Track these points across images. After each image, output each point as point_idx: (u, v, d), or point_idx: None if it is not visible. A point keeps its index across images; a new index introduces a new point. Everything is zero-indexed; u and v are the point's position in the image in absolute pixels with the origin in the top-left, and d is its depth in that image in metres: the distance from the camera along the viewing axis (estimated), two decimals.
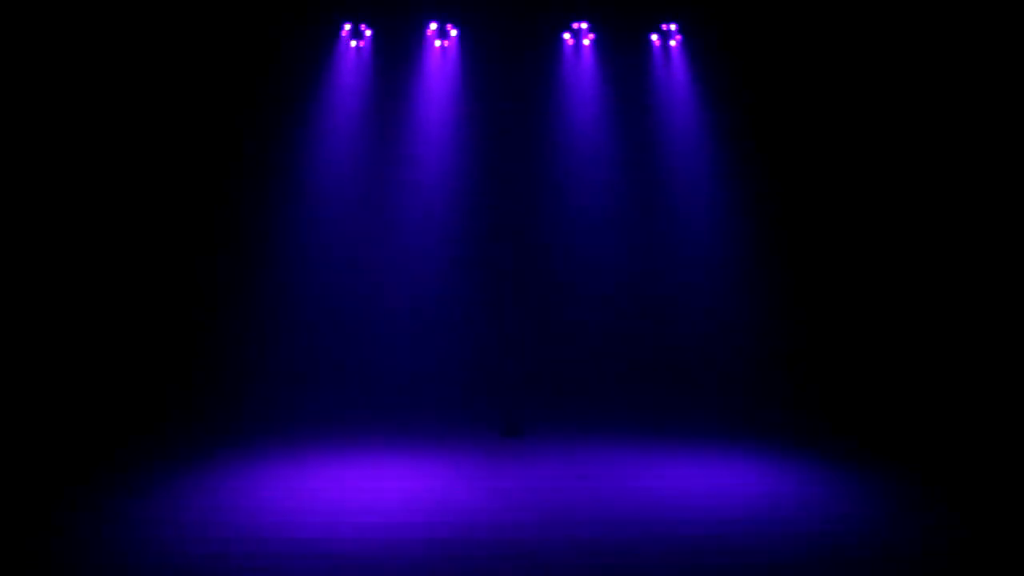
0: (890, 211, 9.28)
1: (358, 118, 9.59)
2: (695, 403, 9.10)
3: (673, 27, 9.66)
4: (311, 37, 9.45)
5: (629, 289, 9.62)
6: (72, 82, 8.85)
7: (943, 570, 4.55)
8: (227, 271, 9.28)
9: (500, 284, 8.96)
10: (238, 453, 7.17)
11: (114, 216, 9.05)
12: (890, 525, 5.28)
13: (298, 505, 5.64)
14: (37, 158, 8.72)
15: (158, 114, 9.15)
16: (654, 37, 9.71)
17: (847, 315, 9.36)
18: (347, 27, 9.48)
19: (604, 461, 6.97)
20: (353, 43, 9.55)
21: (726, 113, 9.65)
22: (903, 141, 9.23)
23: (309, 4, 9.36)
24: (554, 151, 9.70)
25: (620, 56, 9.70)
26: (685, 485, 6.21)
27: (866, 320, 9.29)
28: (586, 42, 9.65)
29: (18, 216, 8.59)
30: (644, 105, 9.73)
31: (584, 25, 9.61)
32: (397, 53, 9.58)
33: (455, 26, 9.54)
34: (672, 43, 9.71)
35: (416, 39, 9.58)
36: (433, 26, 9.52)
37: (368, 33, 9.53)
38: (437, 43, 9.57)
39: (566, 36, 9.64)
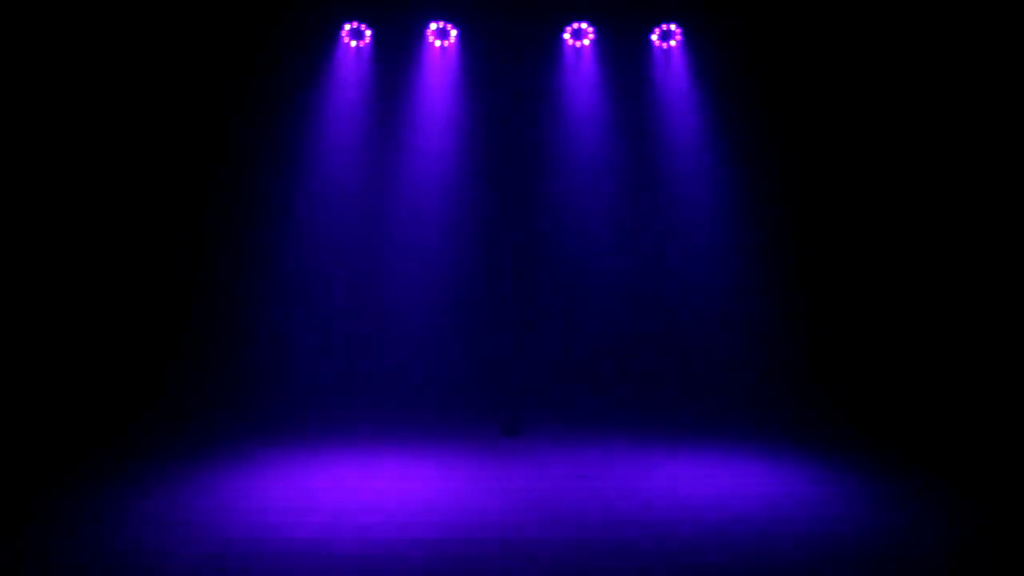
0: (896, 208, 9.27)
1: (358, 119, 9.59)
2: (695, 403, 9.10)
3: (674, 26, 9.66)
4: (311, 37, 9.45)
5: (630, 288, 9.62)
6: (71, 81, 8.86)
7: (944, 571, 4.55)
8: (229, 270, 9.29)
9: (500, 284, 8.95)
10: (238, 453, 7.17)
11: (116, 216, 9.06)
12: (891, 526, 5.28)
13: (298, 505, 5.64)
14: (37, 157, 8.72)
15: (158, 114, 9.16)
16: (654, 36, 9.70)
17: (850, 314, 9.36)
18: (347, 27, 9.48)
19: (605, 461, 6.97)
20: (353, 43, 9.54)
21: (728, 112, 9.65)
22: (908, 138, 9.23)
23: (309, 4, 9.36)
24: (555, 151, 9.70)
25: (621, 56, 9.70)
26: (685, 485, 6.20)
27: (869, 319, 9.28)
28: (586, 42, 9.65)
29: (21, 217, 8.60)
30: (645, 104, 9.73)
31: (584, 25, 9.61)
32: (397, 53, 9.58)
33: (455, 26, 9.54)
34: (673, 42, 9.71)
35: (416, 39, 9.58)
36: (433, 26, 9.52)
37: (368, 33, 9.53)
38: (437, 43, 9.57)
39: (566, 36, 9.64)
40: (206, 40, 9.20)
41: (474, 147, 9.64)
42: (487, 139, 9.61)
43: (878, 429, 8.17)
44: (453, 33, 9.55)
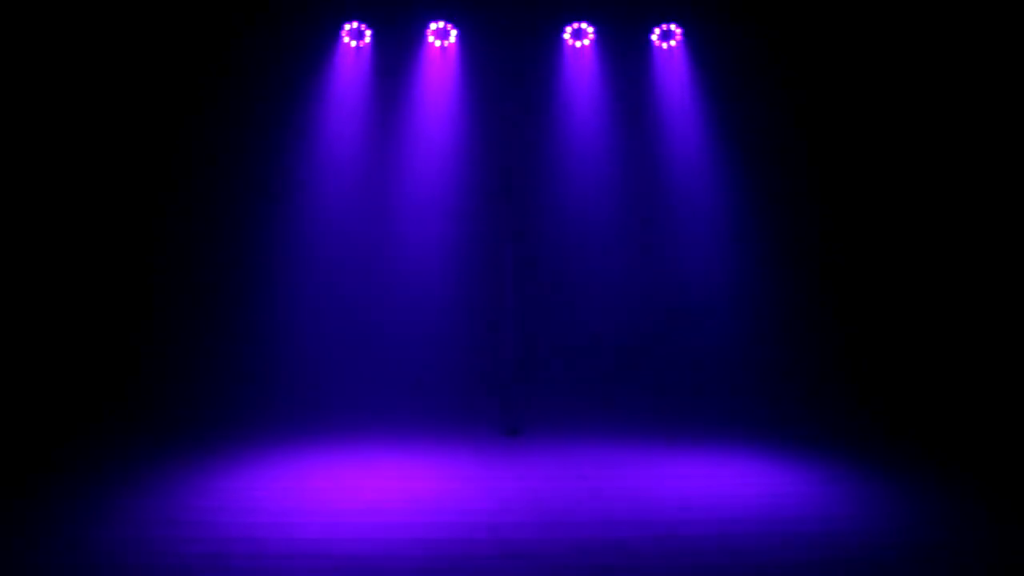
0: (901, 205, 9.26)
1: (358, 119, 9.58)
2: (695, 403, 9.09)
3: (674, 26, 9.65)
4: (311, 37, 9.45)
5: (631, 287, 9.61)
6: (69, 81, 8.86)
7: (947, 571, 4.54)
8: (228, 270, 9.28)
9: (500, 283, 8.95)
10: (237, 453, 7.17)
11: (117, 215, 9.06)
12: (892, 526, 5.27)
13: (298, 505, 5.64)
14: (33, 157, 8.74)
15: (157, 114, 9.16)
16: (655, 36, 9.69)
17: (852, 314, 9.35)
18: (347, 27, 9.48)
19: (604, 461, 6.97)
20: (353, 43, 9.54)
21: (729, 111, 9.63)
22: (912, 135, 9.22)
23: (309, 4, 9.36)
24: (556, 150, 9.69)
25: (621, 56, 9.69)
26: (685, 485, 6.20)
27: (873, 318, 9.28)
28: (586, 42, 9.64)
29: (24, 218, 8.62)
30: (646, 104, 9.71)
31: (585, 25, 9.61)
32: (397, 53, 9.57)
33: (455, 26, 9.53)
34: (673, 42, 9.70)
35: (416, 39, 9.58)
36: (433, 26, 9.52)
37: (368, 33, 9.53)
38: (437, 43, 9.57)
39: (566, 36, 9.63)
40: (206, 40, 9.19)
41: (474, 147, 9.63)
42: (487, 139, 9.60)
43: (880, 429, 8.17)
44: (453, 33, 9.54)
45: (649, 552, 4.75)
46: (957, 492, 6.00)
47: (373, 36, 9.55)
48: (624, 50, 9.70)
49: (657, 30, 9.69)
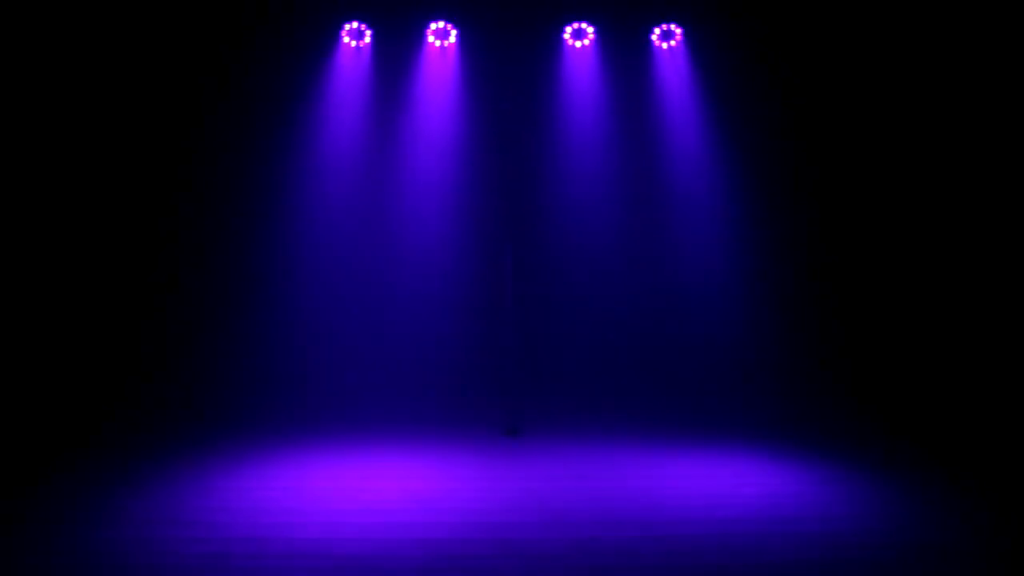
0: (900, 205, 9.27)
1: (358, 119, 9.59)
2: (695, 403, 9.09)
3: (674, 26, 9.65)
4: (311, 37, 9.45)
5: (631, 288, 9.61)
6: (68, 81, 8.86)
7: (946, 571, 4.55)
8: (228, 271, 9.28)
9: (500, 283, 8.94)
10: (238, 453, 7.17)
11: (119, 216, 9.07)
12: (892, 526, 5.28)
13: (298, 505, 5.64)
14: (34, 158, 8.74)
15: (156, 114, 9.16)
16: (655, 36, 9.69)
17: (851, 314, 9.35)
18: (347, 27, 9.48)
19: (604, 461, 6.97)
20: (353, 43, 9.54)
21: (729, 111, 9.64)
22: (911, 136, 9.22)
23: (309, 4, 9.36)
24: (556, 150, 9.70)
25: (621, 56, 9.70)
26: (685, 485, 6.21)
27: (871, 318, 9.28)
28: (586, 42, 9.64)
29: (28, 219, 8.63)
30: (646, 104, 9.72)
31: (585, 25, 9.61)
32: (397, 53, 9.58)
33: (455, 26, 9.53)
34: (673, 42, 9.70)
35: (416, 39, 9.58)
36: (433, 26, 9.52)
37: (368, 33, 9.53)
38: (437, 43, 9.57)
39: (566, 36, 9.63)
40: (207, 40, 9.19)
41: (474, 147, 9.63)
42: (487, 139, 9.60)
43: (880, 429, 8.17)
44: (453, 33, 9.54)
45: (649, 552, 4.75)
46: (956, 492, 6.00)
47: (373, 36, 9.55)
48: (624, 50, 9.70)
49: (657, 30, 9.69)
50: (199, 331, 9.20)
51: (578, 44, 9.67)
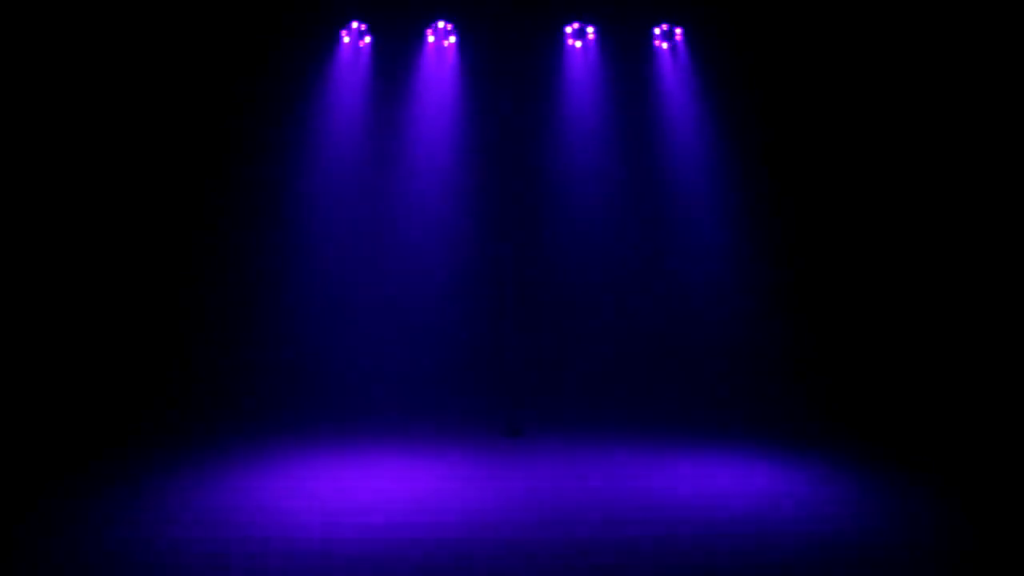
0: (896, 210, 9.27)
1: (358, 119, 9.58)
2: (695, 403, 9.09)
3: (675, 26, 9.65)
4: (311, 37, 9.44)
5: (631, 288, 9.61)
6: (70, 82, 8.86)
7: (943, 570, 4.55)
8: (227, 270, 9.28)
9: (500, 283, 8.95)
10: (238, 453, 7.17)
11: (125, 216, 9.07)
12: (891, 526, 5.28)
13: (298, 505, 5.64)
14: (37, 159, 8.74)
15: (156, 115, 9.16)
16: (655, 35, 9.68)
17: (851, 314, 9.35)
18: (347, 28, 9.47)
19: (604, 461, 6.97)
20: (353, 43, 9.53)
21: (729, 111, 9.64)
22: (908, 138, 9.22)
23: (309, 5, 9.36)
24: (556, 150, 9.70)
25: (621, 55, 9.70)
26: (685, 485, 6.21)
27: (871, 319, 9.28)
28: (587, 39, 9.64)
29: (32, 219, 8.63)
30: (646, 104, 9.72)
31: (585, 24, 9.60)
32: (397, 53, 9.57)
33: (455, 26, 9.53)
34: (673, 42, 9.70)
35: (416, 39, 9.58)
36: (433, 26, 9.51)
37: (368, 34, 9.52)
38: (437, 43, 9.56)
39: (567, 36, 9.63)
40: (207, 40, 9.19)
41: (474, 147, 9.63)
42: (487, 139, 9.60)
43: (880, 429, 8.17)
44: (453, 34, 9.54)
45: (649, 552, 4.75)
46: (955, 492, 6.01)
47: (373, 36, 9.55)
48: (624, 50, 9.70)
49: (657, 30, 9.69)
50: (197, 330, 9.20)
51: (578, 44, 9.67)
